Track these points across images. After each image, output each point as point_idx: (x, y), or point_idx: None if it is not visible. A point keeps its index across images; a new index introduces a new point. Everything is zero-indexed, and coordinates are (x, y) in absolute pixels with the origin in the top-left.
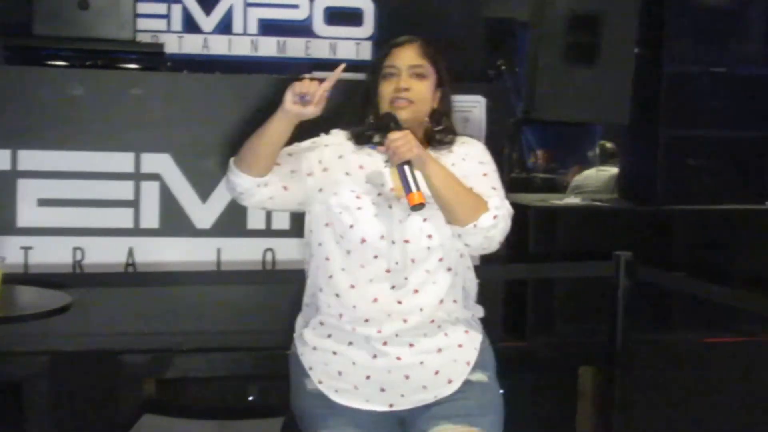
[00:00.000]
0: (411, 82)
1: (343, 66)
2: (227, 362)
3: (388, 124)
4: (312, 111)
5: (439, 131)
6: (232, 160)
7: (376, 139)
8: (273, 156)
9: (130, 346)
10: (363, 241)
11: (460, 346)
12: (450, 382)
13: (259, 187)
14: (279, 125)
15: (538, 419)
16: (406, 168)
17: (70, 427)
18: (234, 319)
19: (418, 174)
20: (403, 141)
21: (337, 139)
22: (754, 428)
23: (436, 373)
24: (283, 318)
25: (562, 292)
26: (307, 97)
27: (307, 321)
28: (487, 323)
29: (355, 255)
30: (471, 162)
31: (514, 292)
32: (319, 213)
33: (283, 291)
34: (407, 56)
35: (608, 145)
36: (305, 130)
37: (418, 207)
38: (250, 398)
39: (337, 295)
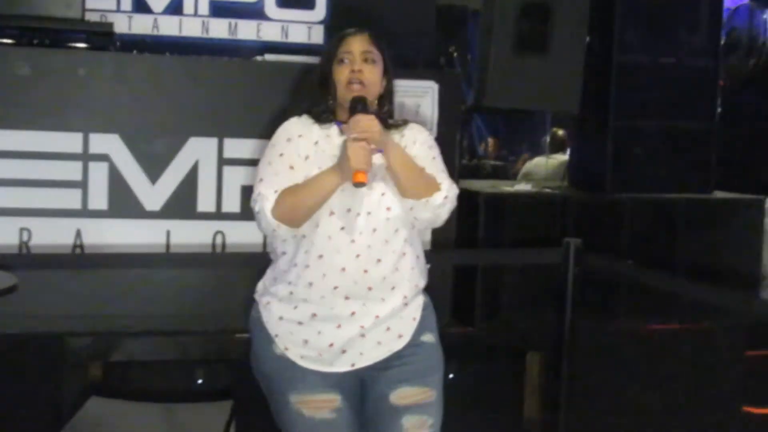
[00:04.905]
0: (363, 66)
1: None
2: (175, 346)
3: (356, 106)
4: None
5: (387, 115)
6: (271, 214)
7: (343, 118)
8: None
9: (77, 328)
10: (331, 213)
11: (405, 305)
12: (400, 336)
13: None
14: (334, 189)
15: (486, 405)
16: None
17: (16, 409)
18: (183, 302)
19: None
20: (368, 123)
21: (301, 125)
22: (698, 412)
23: (388, 329)
24: (232, 302)
25: (511, 278)
26: None
27: (273, 290)
28: (435, 308)
29: (324, 227)
30: (421, 147)
31: (463, 278)
32: None
33: (232, 274)
34: (359, 43)
35: (560, 132)
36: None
37: (359, 185)
38: (199, 382)
39: (307, 266)
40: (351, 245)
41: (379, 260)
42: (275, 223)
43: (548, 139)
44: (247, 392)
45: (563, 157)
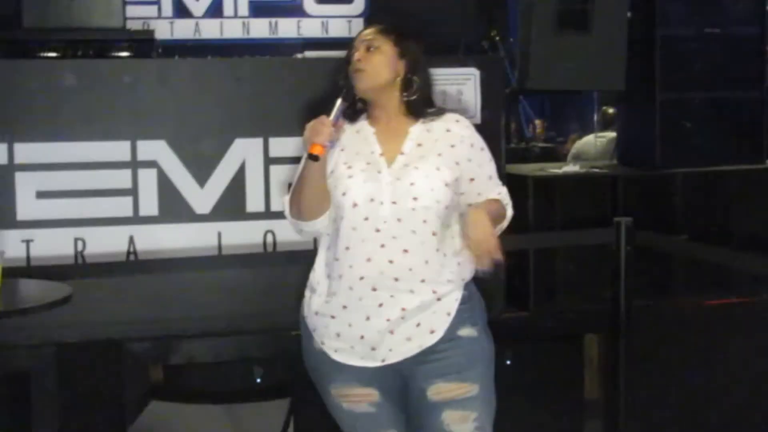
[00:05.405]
0: (364, 55)
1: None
2: (232, 346)
3: (342, 90)
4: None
5: (414, 100)
6: (289, 213)
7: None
8: (326, 196)
9: (135, 333)
10: (354, 205)
11: (438, 299)
12: (432, 332)
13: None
14: (313, 171)
15: (546, 387)
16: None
17: (80, 416)
18: (237, 302)
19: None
20: (313, 125)
21: None
22: (757, 388)
23: (418, 324)
24: (286, 299)
25: (564, 261)
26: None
27: (313, 285)
28: (489, 295)
29: (348, 219)
30: (473, 148)
31: (516, 263)
32: None
33: (285, 272)
34: (363, 36)
35: (610, 111)
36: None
37: (312, 157)
38: (257, 380)
39: (337, 259)
40: (376, 235)
41: (405, 251)
42: (295, 222)
43: (597, 117)
44: (304, 388)
45: (611, 134)
